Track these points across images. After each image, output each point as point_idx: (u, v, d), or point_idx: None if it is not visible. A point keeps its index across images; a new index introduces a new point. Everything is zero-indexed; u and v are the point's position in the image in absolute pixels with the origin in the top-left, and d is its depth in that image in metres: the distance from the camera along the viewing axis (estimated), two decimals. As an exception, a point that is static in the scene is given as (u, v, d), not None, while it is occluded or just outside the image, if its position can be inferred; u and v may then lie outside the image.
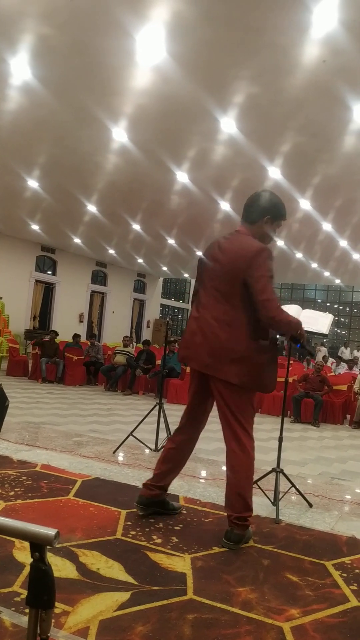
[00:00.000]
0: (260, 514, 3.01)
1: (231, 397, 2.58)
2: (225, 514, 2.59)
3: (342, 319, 30.61)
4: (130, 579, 2.07)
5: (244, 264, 2.50)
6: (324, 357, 12.06)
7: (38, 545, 0.90)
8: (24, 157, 8.60)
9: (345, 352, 18.64)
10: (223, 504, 3.11)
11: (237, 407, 2.59)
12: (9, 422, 4.96)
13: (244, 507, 2.52)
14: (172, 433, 2.94)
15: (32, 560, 0.91)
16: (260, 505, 3.15)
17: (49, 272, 18.41)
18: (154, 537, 2.53)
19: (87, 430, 5.54)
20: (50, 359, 10.29)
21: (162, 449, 2.97)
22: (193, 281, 30.32)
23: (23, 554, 2.18)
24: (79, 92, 6.03)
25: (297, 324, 2.55)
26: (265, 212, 2.73)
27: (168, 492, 2.90)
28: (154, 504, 2.81)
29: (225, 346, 2.51)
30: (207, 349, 2.55)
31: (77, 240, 16.22)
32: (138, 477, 3.56)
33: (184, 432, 2.85)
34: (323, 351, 16.90)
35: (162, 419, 4.58)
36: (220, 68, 5.22)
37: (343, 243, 13.26)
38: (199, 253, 17.42)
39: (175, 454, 2.82)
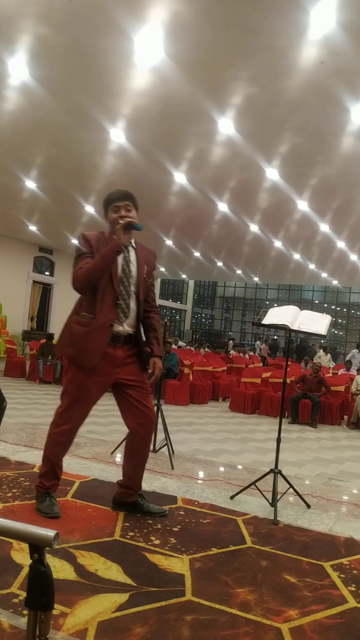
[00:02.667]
0: (259, 514, 3.01)
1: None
2: (226, 514, 2.58)
3: (340, 320, 30.65)
4: (128, 580, 2.07)
5: None
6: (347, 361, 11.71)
7: (37, 547, 0.90)
8: (21, 157, 8.59)
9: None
10: (221, 505, 3.12)
11: (66, 383, 2.84)
12: (7, 423, 4.94)
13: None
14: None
15: (30, 561, 0.91)
16: (259, 506, 3.15)
17: (47, 273, 18.40)
18: (152, 538, 2.53)
19: (85, 431, 5.53)
20: (48, 360, 10.27)
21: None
22: (191, 282, 30.42)
23: (21, 555, 2.17)
24: (77, 93, 6.03)
25: (108, 249, 2.62)
26: (102, 207, 2.85)
27: (169, 493, 2.89)
28: (124, 505, 2.87)
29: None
30: None
31: (75, 241, 16.20)
32: (136, 478, 3.56)
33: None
34: (321, 353, 16.83)
35: (160, 420, 4.57)
36: (218, 69, 5.22)
37: (340, 244, 13.29)
38: (197, 254, 17.42)
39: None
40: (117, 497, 2.89)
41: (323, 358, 13.23)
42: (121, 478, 2.90)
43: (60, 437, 2.79)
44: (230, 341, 23.97)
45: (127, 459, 2.86)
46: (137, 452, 2.85)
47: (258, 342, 21.84)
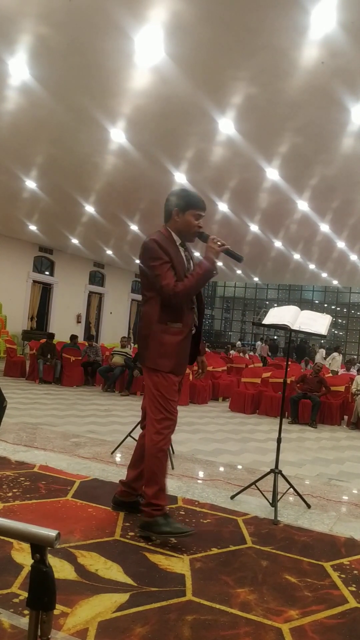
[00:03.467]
0: (259, 515, 3.01)
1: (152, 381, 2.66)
2: (226, 514, 2.58)
3: (340, 320, 30.65)
4: (129, 580, 2.07)
5: (140, 256, 2.73)
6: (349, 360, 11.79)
7: (39, 547, 0.89)
8: (21, 157, 8.59)
9: None
10: (221, 505, 3.12)
11: (156, 382, 2.66)
12: (7, 422, 4.95)
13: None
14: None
15: (32, 561, 0.91)
16: (259, 506, 3.15)
17: (47, 273, 18.40)
18: (153, 538, 2.53)
19: (85, 431, 5.53)
20: (48, 359, 10.27)
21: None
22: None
23: (22, 555, 2.17)
24: (77, 93, 6.03)
25: (208, 268, 2.61)
26: (171, 206, 2.77)
27: (169, 493, 2.89)
28: (124, 505, 2.85)
29: (142, 334, 2.71)
30: (139, 344, 2.77)
31: (74, 241, 16.21)
32: (136, 478, 3.56)
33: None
34: (321, 352, 16.82)
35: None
36: (219, 69, 5.22)
37: (341, 244, 13.30)
38: (197, 254, 17.40)
39: (139, 448, 2.86)
40: (117, 497, 2.88)
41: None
42: (123, 478, 2.89)
43: (165, 445, 2.63)
44: (238, 342, 23.99)
45: (139, 460, 2.81)
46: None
47: (259, 342, 21.82)
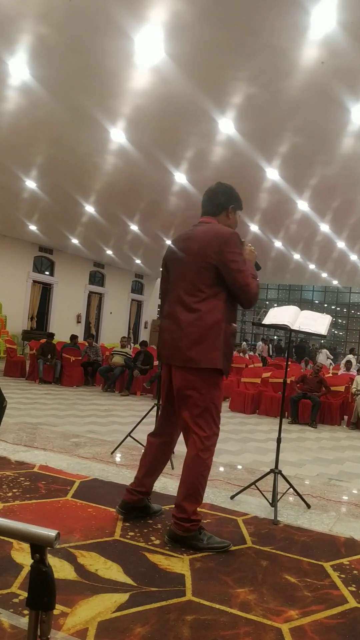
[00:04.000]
0: (259, 515, 3.01)
1: (207, 386, 2.50)
2: (226, 514, 2.58)
3: (340, 320, 30.66)
4: (128, 580, 2.07)
5: (215, 248, 2.48)
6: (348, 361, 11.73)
7: (38, 547, 0.90)
8: (21, 157, 8.59)
9: None
10: (221, 505, 3.12)
11: (215, 395, 2.52)
12: (7, 422, 4.95)
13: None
14: (150, 435, 2.86)
15: (31, 561, 0.91)
16: (259, 507, 3.15)
17: (47, 273, 18.40)
18: (152, 538, 2.53)
19: (85, 431, 5.53)
20: (48, 359, 10.27)
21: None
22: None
23: (21, 555, 2.17)
24: (77, 93, 6.02)
25: (251, 264, 2.59)
26: (227, 202, 2.73)
27: (169, 493, 2.89)
28: (136, 509, 2.76)
29: (205, 334, 2.45)
30: (187, 343, 2.47)
31: (74, 241, 16.21)
32: (136, 478, 3.56)
33: (161, 434, 2.80)
34: (324, 353, 16.79)
35: (160, 420, 4.57)
36: (219, 69, 5.22)
37: (341, 244, 13.29)
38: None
39: (153, 456, 2.77)
40: (129, 503, 2.74)
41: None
42: (132, 482, 2.78)
43: (211, 461, 2.55)
44: (244, 342, 24.06)
45: (159, 463, 2.78)
46: (168, 458, 2.88)
47: (260, 342, 21.86)
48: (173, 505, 2.55)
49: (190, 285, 2.52)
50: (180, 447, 4.83)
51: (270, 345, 22.47)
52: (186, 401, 2.50)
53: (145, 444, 2.85)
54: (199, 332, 2.45)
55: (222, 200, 2.70)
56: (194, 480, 2.48)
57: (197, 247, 2.54)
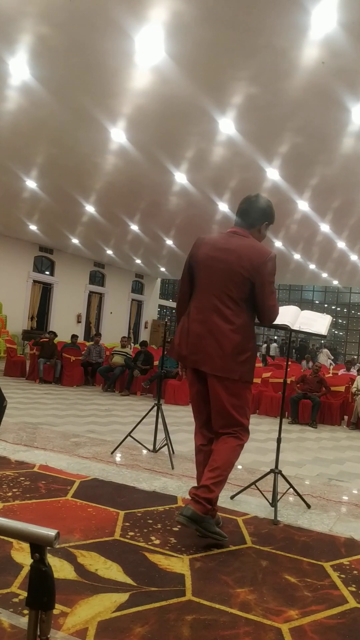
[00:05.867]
0: (259, 514, 3.01)
1: (237, 393, 2.63)
2: (226, 514, 2.57)
3: (340, 320, 30.66)
4: (128, 580, 2.07)
5: (256, 266, 2.60)
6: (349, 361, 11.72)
7: (38, 546, 0.90)
8: (22, 157, 8.59)
9: None
10: (221, 505, 3.12)
11: (245, 401, 2.67)
12: (7, 422, 4.95)
13: None
14: (198, 438, 2.78)
15: (31, 561, 0.91)
16: (259, 507, 3.15)
17: (47, 273, 18.41)
18: (152, 538, 2.53)
19: (85, 431, 5.53)
20: (48, 359, 10.28)
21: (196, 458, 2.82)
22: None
23: (21, 555, 2.17)
24: (77, 93, 6.03)
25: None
26: (264, 218, 2.77)
27: (169, 493, 2.89)
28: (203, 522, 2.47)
29: (239, 348, 2.57)
30: (219, 353, 2.56)
31: (75, 241, 16.22)
32: (136, 477, 3.56)
33: (210, 440, 2.73)
34: (325, 352, 16.80)
35: (160, 420, 4.58)
36: (219, 69, 5.22)
37: (341, 244, 13.29)
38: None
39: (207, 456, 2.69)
40: (197, 513, 2.45)
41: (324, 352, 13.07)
42: (196, 488, 2.57)
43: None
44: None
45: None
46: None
47: (274, 344, 21.99)
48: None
49: (225, 295, 2.60)
50: (181, 447, 4.84)
51: (275, 345, 22.54)
52: (229, 401, 2.62)
53: (196, 455, 2.78)
54: (241, 345, 2.59)
55: (259, 215, 2.75)
56: (228, 469, 2.57)
57: (235, 259, 2.60)
